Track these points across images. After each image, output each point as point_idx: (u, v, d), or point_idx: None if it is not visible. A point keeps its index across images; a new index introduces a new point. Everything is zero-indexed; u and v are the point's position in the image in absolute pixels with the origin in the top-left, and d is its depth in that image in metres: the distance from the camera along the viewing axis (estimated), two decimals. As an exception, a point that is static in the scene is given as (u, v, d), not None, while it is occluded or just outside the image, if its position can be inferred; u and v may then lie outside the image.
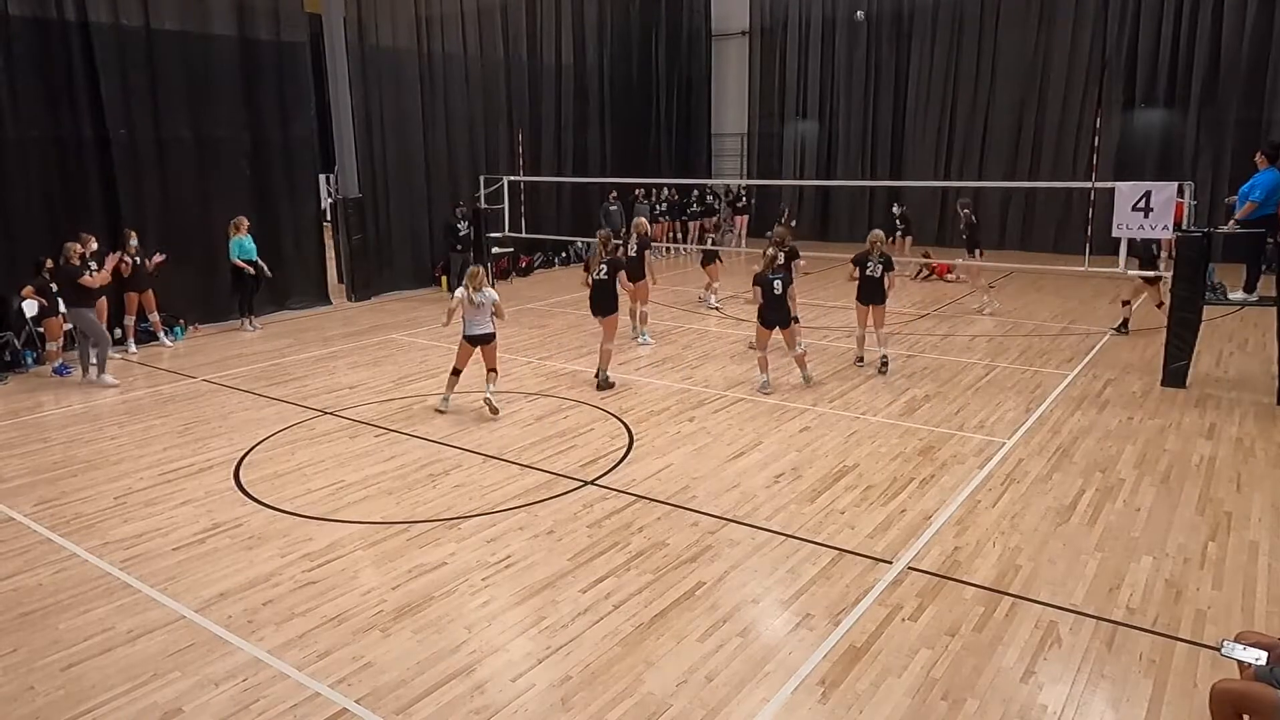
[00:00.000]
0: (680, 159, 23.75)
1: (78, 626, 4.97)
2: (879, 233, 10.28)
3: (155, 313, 11.92)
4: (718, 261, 14.39)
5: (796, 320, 10.27)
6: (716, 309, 14.14)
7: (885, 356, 10.16)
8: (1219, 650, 3.49)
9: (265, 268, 12.96)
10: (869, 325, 10.16)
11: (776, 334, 9.48)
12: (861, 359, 10.44)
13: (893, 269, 9.95)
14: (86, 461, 7.65)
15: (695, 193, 21.57)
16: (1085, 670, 4.44)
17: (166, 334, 12.19)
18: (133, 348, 11.62)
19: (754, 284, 9.38)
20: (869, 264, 9.94)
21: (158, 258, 11.68)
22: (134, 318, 11.74)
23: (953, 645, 4.66)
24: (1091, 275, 11.66)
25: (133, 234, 11.60)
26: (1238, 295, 9.64)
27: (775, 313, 9.31)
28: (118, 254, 11.17)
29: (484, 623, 4.96)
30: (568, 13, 19.67)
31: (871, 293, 9.99)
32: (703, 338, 12.26)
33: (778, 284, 9.25)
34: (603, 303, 9.77)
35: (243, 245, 12.71)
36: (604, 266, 9.71)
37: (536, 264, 18.86)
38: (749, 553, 5.76)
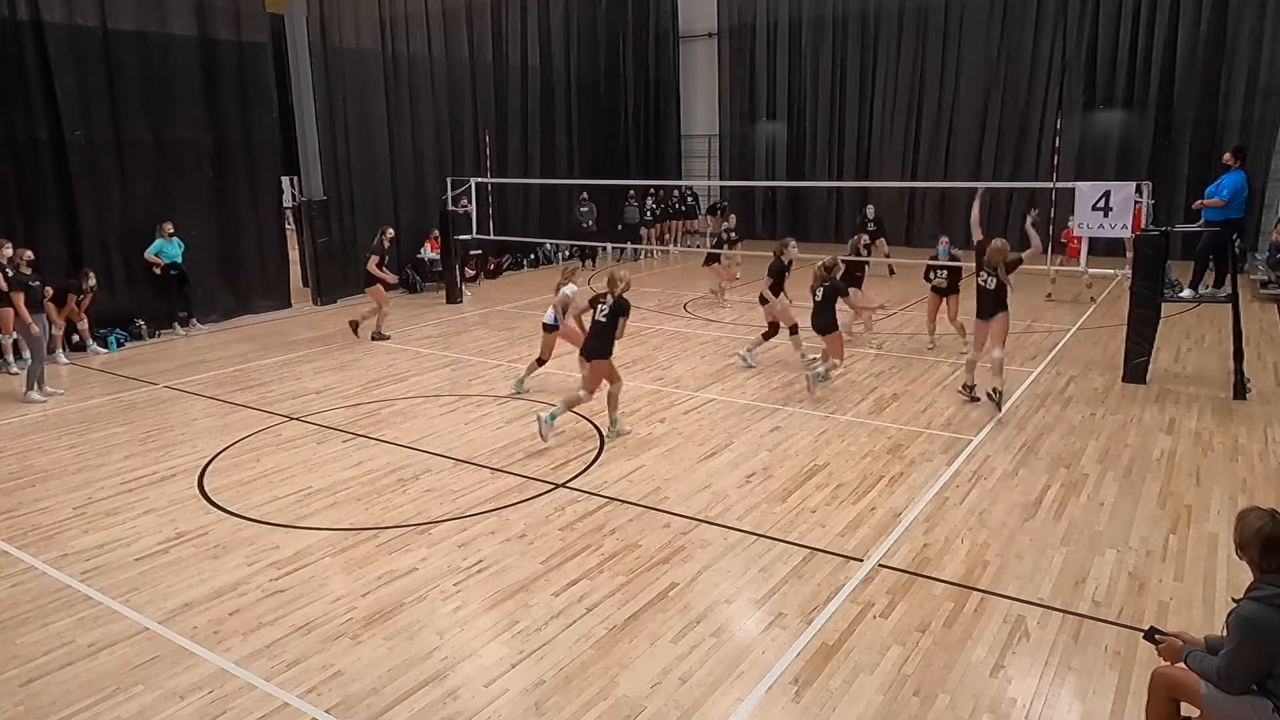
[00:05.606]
0: (650, 160, 23.77)
1: (37, 640, 4.84)
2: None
3: (83, 321, 11.71)
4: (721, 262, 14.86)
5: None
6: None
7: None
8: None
9: (188, 275, 12.78)
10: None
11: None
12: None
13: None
14: (44, 471, 7.47)
15: (677, 193, 21.80)
16: (1053, 663, 4.50)
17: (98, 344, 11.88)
18: (62, 358, 11.26)
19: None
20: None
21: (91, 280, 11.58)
22: (61, 327, 11.41)
23: (923, 641, 4.71)
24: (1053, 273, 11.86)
25: (90, 274, 11.54)
26: (1203, 292, 9.89)
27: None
28: (72, 298, 11.31)
29: (456, 628, 4.91)
30: (533, 14, 19.60)
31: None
32: (673, 339, 12.27)
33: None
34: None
35: (163, 247, 12.49)
36: (604, 307, 7.96)
37: (505, 266, 18.78)
38: (721, 553, 5.77)
